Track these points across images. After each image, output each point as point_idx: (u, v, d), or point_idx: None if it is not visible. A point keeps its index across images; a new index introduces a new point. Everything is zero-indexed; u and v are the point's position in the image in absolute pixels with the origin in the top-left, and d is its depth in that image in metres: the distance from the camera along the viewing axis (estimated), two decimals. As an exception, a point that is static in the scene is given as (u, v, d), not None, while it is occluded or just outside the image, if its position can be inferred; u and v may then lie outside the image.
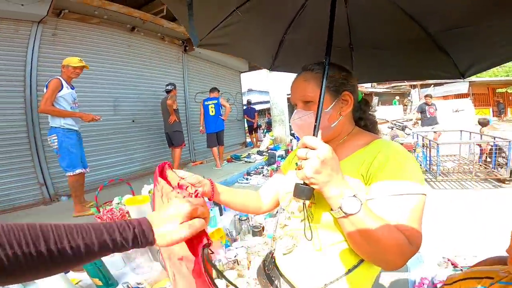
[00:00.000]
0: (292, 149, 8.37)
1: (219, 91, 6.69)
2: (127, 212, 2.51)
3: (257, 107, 12.17)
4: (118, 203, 2.69)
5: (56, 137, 3.55)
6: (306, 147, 0.72)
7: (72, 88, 3.75)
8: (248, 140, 11.30)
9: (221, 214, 3.16)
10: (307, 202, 0.86)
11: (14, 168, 4.33)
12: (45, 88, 3.55)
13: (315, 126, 0.82)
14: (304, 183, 0.74)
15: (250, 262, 2.21)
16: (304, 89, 0.92)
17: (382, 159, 0.81)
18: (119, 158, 5.93)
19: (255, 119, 10.89)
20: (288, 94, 9.84)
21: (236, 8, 1.23)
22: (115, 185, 4.41)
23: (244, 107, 11.14)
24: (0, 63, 4.31)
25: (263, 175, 6.27)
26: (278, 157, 7.42)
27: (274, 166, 6.85)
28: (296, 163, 0.78)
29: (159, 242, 0.57)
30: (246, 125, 11.23)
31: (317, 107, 0.84)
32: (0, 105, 4.25)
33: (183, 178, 0.87)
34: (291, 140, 9.23)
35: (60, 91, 3.55)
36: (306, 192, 0.74)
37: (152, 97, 6.71)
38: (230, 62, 9.55)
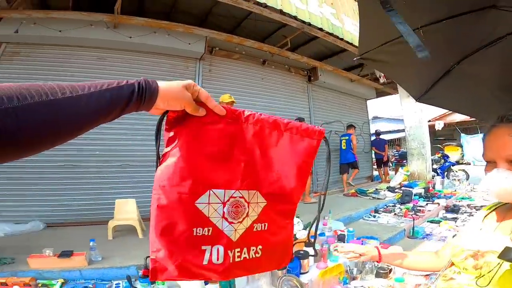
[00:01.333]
0: (433, 187, 7.14)
1: (355, 128, 7.39)
2: None
3: (385, 137, 11.04)
4: None
5: None
6: None
7: None
8: (376, 173, 10.26)
9: None
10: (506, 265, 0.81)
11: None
12: None
13: None
14: None
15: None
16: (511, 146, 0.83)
17: None
18: None
19: (385, 151, 9.80)
20: (429, 121, 8.73)
21: (420, 27, 1.15)
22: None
23: (372, 138, 10.27)
24: None
25: (395, 214, 5.44)
26: (415, 195, 6.41)
27: (410, 205, 5.88)
28: None
29: (162, 95, 0.57)
30: (374, 157, 10.29)
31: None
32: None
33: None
34: (433, 177, 7.86)
35: None
36: None
37: None
38: (357, 89, 9.11)
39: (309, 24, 5.62)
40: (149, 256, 0.66)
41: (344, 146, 7.54)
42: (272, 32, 6.77)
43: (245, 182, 0.72)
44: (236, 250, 0.72)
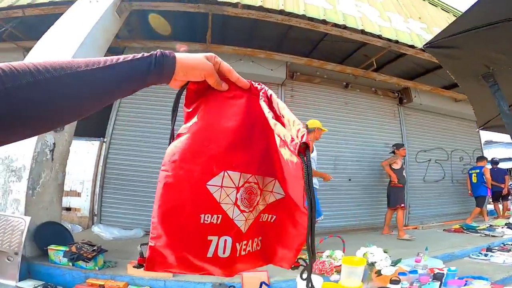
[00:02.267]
0: None
1: (486, 159, 7.02)
2: (336, 267, 2.85)
3: (504, 165, 9.12)
4: (328, 256, 3.07)
5: None
6: None
7: None
8: (490, 207, 8.50)
9: None
10: None
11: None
12: None
13: None
14: None
15: None
16: None
17: None
18: (332, 212, 5.98)
19: (505, 183, 8.07)
20: None
21: None
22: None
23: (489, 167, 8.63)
24: None
25: (516, 252, 4.39)
26: None
27: (538, 245, 4.65)
28: None
29: (181, 64, 0.56)
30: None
31: None
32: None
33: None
34: None
35: (312, 152, 4.28)
36: None
37: (369, 155, 6.53)
38: (464, 110, 7.84)
39: (397, 42, 5.28)
40: (144, 244, 0.61)
41: (475, 179, 7.11)
42: (352, 52, 6.54)
43: (264, 167, 0.65)
44: (244, 242, 0.65)
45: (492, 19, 0.89)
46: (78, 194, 5.34)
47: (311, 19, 4.82)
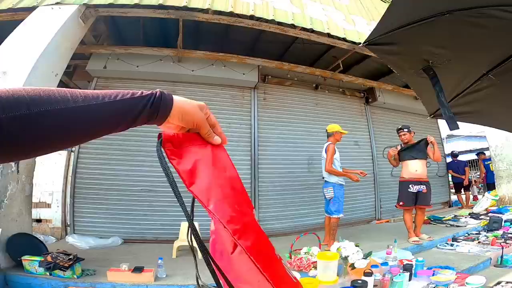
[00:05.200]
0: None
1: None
2: (313, 262, 2.86)
3: (464, 157, 9.77)
4: (306, 253, 3.08)
5: (332, 189, 4.47)
6: None
7: None
8: (454, 198, 9.05)
9: (409, 280, 2.82)
10: None
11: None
12: (324, 152, 4.59)
13: None
14: None
15: None
16: None
17: None
18: (308, 210, 6.15)
19: (465, 174, 8.64)
20: None
21: (487, 72, 1.14)
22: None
23: (448, 160, 9.20)
24: (235, 125, 5.75)
25: (479, 242, 4.70)
26: (506, 222, 5.50)
27: (499, 232, 5.02)
28: None
29: (177, 108, 0.55)
30: (451, 181, 9.15)
31: None
32: (234, 158, 5.58)
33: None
34: (528, 201, 6.65)
35: (334, 154, 4.50)
36: None
37: (341, 154, 6.69)
38: (422, 107, 8.33)
39: (360, 44, 5.53)
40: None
41: (492, 168, 7.88)
42: (321, 54, 6.77)
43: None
44: None
45: (425, 14, 0.96)
46: (48, 205, 5.16)
47: (280, 23, 4.97)
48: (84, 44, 5.06)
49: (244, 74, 5.58)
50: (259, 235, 0.56)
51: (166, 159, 0.55)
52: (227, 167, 0.60)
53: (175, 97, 0.56)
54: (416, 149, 4.73)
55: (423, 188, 4.59)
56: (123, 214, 5.07)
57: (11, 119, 0.39)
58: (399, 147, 4.88)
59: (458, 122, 1.21)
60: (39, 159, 4.01)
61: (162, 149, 0.55)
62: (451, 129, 1.18)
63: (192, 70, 5.33)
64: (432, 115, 1.43)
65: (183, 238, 4.22)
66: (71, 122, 0.45)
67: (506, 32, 0.98)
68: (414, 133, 4.89)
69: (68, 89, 0.46)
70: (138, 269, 3.16)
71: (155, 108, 0.52)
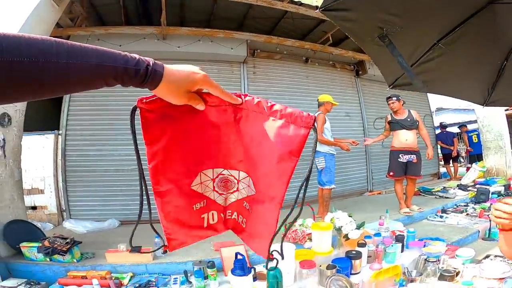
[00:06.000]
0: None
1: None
2: (308, 234, 2.91)
3: (454, 130, 9.93)
4: (301, 225, 3.09)
5: (323, 159, 4.41)
6: None
7: None
8: (443, 170, 9.27)
9: (402, 251, 2.88)
10: None
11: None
12: None
13: None
14: None
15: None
16: None
17: None
18: (299, 183, 6.15)
19: (454, 145, 8.80)
20: (506, 110, 7.69)
21: (437, 42, 1.17)
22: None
23: (437, 131, 9.33)
24: None
25: (468, 214, 4.84)
26: (493, 194, 5.67)
27: (486, 204, 5.16)
28: None
29: (167, 76, 0.55)
30: (440, 153, 9.32)
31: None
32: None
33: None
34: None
35: (325, 123, 4.43)
36: None
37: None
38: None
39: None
40: (158, 236, 0.81)
41: (475, 139, 8.81)
42: (312, 29, 6.65)
43: (232, 163, 0.79)
44: (228, 211, 0.86)
45: None
46: (41, 191, 5.08)
47: (267, -4, 4.80)
48: (61, 27, 4.84)
49: (232, 48, 5.45)
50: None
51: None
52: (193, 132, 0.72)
53: (166, 66, 0.57)
54: (405, 121, 4.72)
55: (413, 158, 4.60)
56: (118, 196, 5.06)
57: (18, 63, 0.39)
58: (389, 117, 4.87)
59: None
60: (25, 143, 3.89)
61: (136, 112, 0.64)
62: (419, 90, 1.24)
63: (178, 47, 5.18)
64: (391, 86, 1.43)
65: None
66: (46, 77, 0.44)
67: (453, 1, 1.01)
68: (404, 102, 4.80)
69: (56, 39, 0.45)
70: (135, 249, 3.17)
71: (140, 67, 0.52)
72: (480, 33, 1.11)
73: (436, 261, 2.54)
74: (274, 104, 0.69)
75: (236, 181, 0.81)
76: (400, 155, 4.65)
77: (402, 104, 4.73)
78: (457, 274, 2.36)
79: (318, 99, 4.67)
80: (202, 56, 5.45)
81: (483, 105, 1.53)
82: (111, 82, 0.51)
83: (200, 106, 0.65)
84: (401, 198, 4.76)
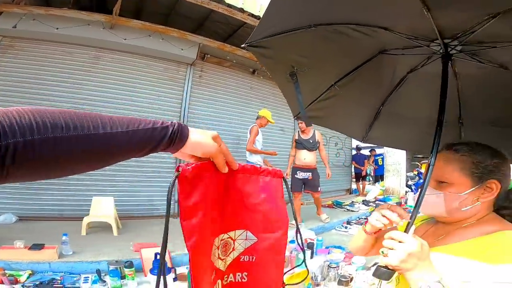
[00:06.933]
0: (406, 202, 7.54)
1: None
2: None
3: (366, 152, 11.44)
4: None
5: None
6: (393, 239, 0.76)
7: None
8: (354, 187, 10.64)
9: (311, 257, 3.32)
10: (384, 283, 0.89)
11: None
12: (248, 133, 4.97)
13: (408, 222, 0.82)
14: (386, 267, 0.78)
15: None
16: (442, 170, 0.90)
17: (497, 252, 0.74)
18: None
19: (364, 166, 10.24)
20: None
21: (334, 83, 1.33)
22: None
23: (353, 153, 10.64)
24: (165, 98, 5.58)
25: (366, 226, 5.67)
26: None
27: (381, 218, 6.13)
28: (382, 251, 0.80)
29: (190, 142, 0.58)
30: (353, 172, 10.65)
31: (415, 205, 0.84)
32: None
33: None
34: (406, 192, 8.26)
35: (257, 135, 4.92)
36: (386, 275, 0.79)
37: (266, 136, 7.06)
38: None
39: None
40: None
41: (380, 162, 10.74)
42: (265, 44, 6.95)
43: (232, 224, 0.79)
44: (225, 276, 0.82)
45: (295, 25, 1.09)
46: None
47: (230, 5, 4.92)
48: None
49: (182, 49, 5.38)
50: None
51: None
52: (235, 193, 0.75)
53: (191, 129, 0.59)
54: (308, 142, 5.22)
55: (309, 175, 5.12)
56: (16, 189, 4.49)
57: (43, 141, 0.40)
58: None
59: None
60: None
61: (176, 183, 0.59)
62: (307, 126, 1.42)
63: (125, 39, 4.89)
64: (295, 117, 1.70)
65: (94, 214, 4.09)
66: (96, 147, 0.47)
67: (351, 48, 1.17)
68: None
69: (97, 113, 0.48)
70: (36, 247, 2.97)
71: (171, 140, 0.55)
72: (366, 79, 1.29)
73: (336, 267, 2.87)
74: (262, 167, 0.81)
75: (232, 241, 0.80)
76: (298, 172, 5.20)
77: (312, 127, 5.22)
78: (351, 279, 2.72)
79: (258, 112, 5.12)
80: (148, 52, 5.27)
81: (361, 140, 1.73)
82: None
83: (226, 168, 0.65)
84: (297, 212, 5.24)
